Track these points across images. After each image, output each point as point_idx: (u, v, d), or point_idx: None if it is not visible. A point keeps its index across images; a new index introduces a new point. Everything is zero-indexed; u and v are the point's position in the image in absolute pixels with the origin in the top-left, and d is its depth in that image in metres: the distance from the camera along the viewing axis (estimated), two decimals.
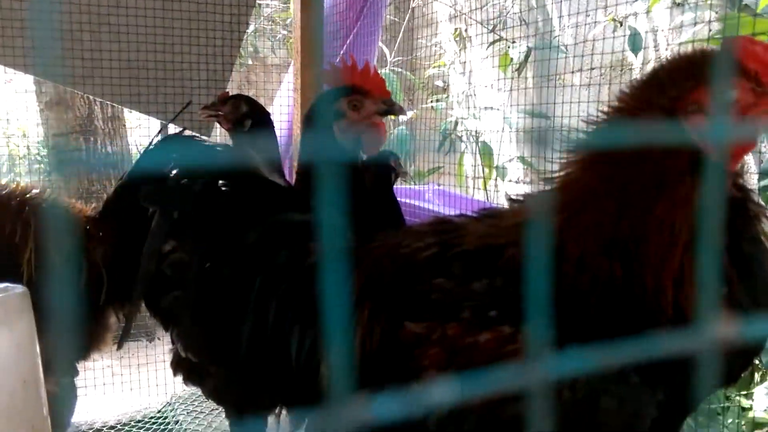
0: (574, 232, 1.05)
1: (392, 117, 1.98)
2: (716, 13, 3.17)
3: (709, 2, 3.17)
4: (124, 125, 5.00)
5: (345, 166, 0.50)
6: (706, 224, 0.56)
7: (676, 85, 0.98)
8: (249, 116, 2.27)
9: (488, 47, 4.40)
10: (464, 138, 4.68)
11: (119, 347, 1.63)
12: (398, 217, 2.29)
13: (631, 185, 1.03)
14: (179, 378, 1.93)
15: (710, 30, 3.00)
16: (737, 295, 1.02)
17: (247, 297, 1.30)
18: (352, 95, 1.76)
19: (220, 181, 1.40)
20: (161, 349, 3.31)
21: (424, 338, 1.09)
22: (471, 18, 4.91)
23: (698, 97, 0.99)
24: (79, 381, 2.13)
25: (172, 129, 2.70)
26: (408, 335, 1.12)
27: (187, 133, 2.46)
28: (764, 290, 1.06)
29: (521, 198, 1.26)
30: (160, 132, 2.39)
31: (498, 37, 4.33)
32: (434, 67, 5.31)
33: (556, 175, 1.14)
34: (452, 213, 3.25)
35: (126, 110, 4.61)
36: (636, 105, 1.03)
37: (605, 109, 1.07)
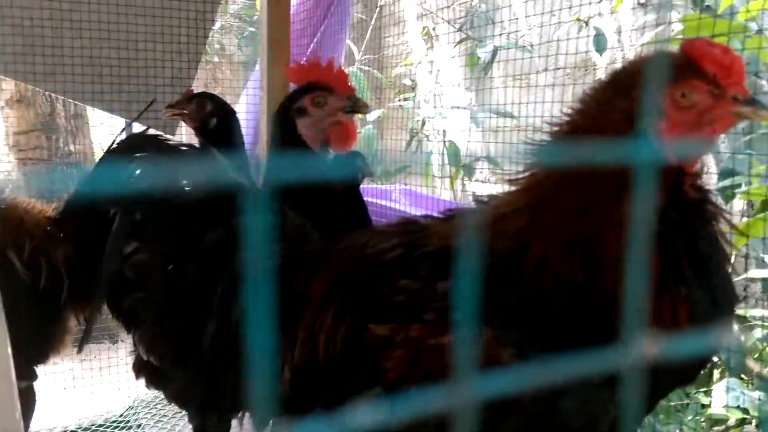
0: (538, 232, 1.06)
1: (359, 115, 1.96)
2: (679, 13, 3.22)
3: (672, 3, 3.22)
4: (88, 123, 4.92)
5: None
6: (636, 237, 0.55)
7: (635, 87, 0.99)
8: (214, 115, 2.24)
9: (455, 46, 4.42)
10: (432, 137, 4.69)
11: (80, 350, 1.60)
12: (365, 217, 2.28)
13: (593, 187, 1.04)
14: (142, 381, 1.90)
15: (672, 30, 3.05)
16: (694, 295, 1.04)
17: (211, 299, 1.29)
18: (315, 92, 1.73)
19: (185, 182, 1.39)
20: (124, 352, 3.26)
21: (388, 340, 1.09)
22: (438, 17, 4.92)
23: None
24: (39, 385, 2.09)
25: (137, 128, 2.65)
26: (373, 337, 1.11)
27: (152, 131, 2.42)
28: (722, 290, 1.08)
29: (487, 198, 1.26)
30: (123, 131, 2.35)
31: (465, 36, 4.34)
32: (402, 65, 5.32)
33: (521, 176, 1.14)
34: (419, 213, 3.27)
35: (89, 108, 4.53)
36: (597, 107, 1.04)
37: (568, 110, 1.08)
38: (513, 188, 1.16)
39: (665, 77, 0.98)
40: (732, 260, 2.55)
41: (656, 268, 1.03)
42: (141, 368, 1.85)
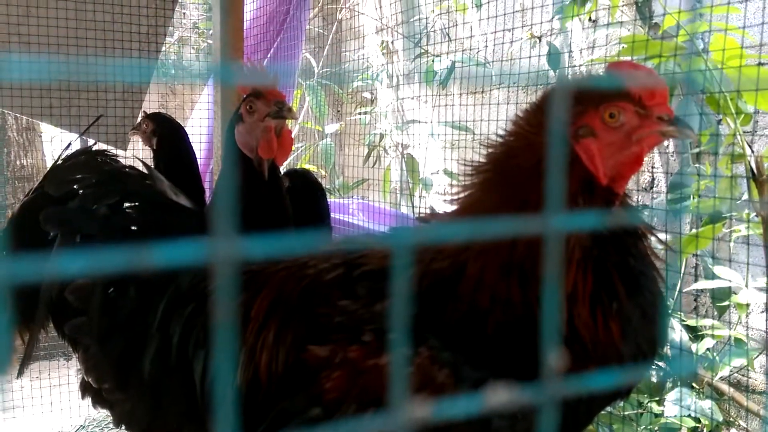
0: (474, 252, 1.07)
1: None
2: (628, 30, 3.30)
3: (621, 20, 3.29)
4: (40, 136, 4.84)
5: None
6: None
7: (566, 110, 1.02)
8: (156, 134, 2.22)
9: (413, 61, 4.45)
10: (390, 151, 4.71)
11: (19, 374, 1.57)
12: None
13: (527, 206, 1.06)
14: (89, 400, 1.87)
15: (621, 48, 3.11)
16: (626, 310, 1.06)
17: (151, 322, 1.27)
18: (247, 98, 1.71)
19: (126, 204, 1.38)
20: (76, 369, 3.20)
21: (327, 361, 1.09)
22: (397, 32, 4.96)
23: (588, 121, 1.03)
24: None
25: (91, 142, 2.62)
26: (312, 358, 1.12)
27: (101, 147, 2.39)
28: (652, 303, 1.11)
29: (427, 217, 1.28)
30: (69, 146, 2.32)
31: (423, 51, 4.38)
32: (361, 79, 5.34)
33: (460, 195, 1.16)
34: (377, 227, 3.27)
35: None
36: (530, 129, 1.06)
37: (502, 132, 1.10)
38: (452, 207, 1.17)
39: (594, 100, 1.01)
40: (681, 273, 2.61)
41: (589, 285, 1.05)
42: (87, 388, 1.82)
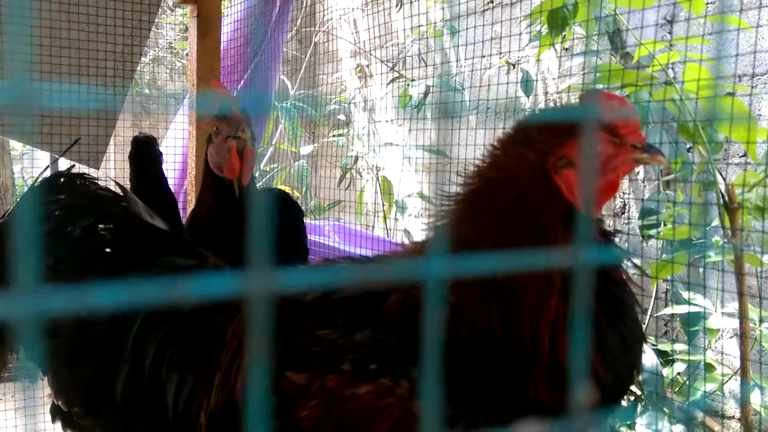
0: (454, 281, 1.07)
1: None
2: (600, 59, 3.36)
3: (594, 49, 3.35)
4: (9, 153, 4.76)
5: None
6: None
7: (544, 140, 1.03)
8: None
9: (388, 84, 4.48)
10: (365, 173, 4.72)
11: None
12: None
13: (506, 235, 1.06)
14: (59, 424, 1.83)
15: (596, 76, 3.17)
16: (607, 338, 1.06)
17: (124, 344, 1.25)
18: (217, 120, 1.81)
19: (100, 226, 1.36)
20: (42, 392, 3.12)
21: (304, 389, 1.08)
22: (372, 55, 4.99)
23: (566, 152, 1.04)
24: None
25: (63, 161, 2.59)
26: (289, 384, 1.10)
27: (77, 167, 2.36)
28: (631, 331, 1.11)
29: (406, 245, 1.28)
30: (48, 167, 2.29)
31: (398, 75, 4.42)
32: (336, 102, 5.36)
33: (438, 224, 1.16)
34: (351, 249, 3.26)
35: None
36: (508, 161, 1.06)
37: (478, 163, 1.10)
38: (430, 237, 1.18)
39: (572, 131, 1.02)
40: (653, 298, 2.63)
41: (569, 313, 1.06)
42: (57, 412, 1.78)
